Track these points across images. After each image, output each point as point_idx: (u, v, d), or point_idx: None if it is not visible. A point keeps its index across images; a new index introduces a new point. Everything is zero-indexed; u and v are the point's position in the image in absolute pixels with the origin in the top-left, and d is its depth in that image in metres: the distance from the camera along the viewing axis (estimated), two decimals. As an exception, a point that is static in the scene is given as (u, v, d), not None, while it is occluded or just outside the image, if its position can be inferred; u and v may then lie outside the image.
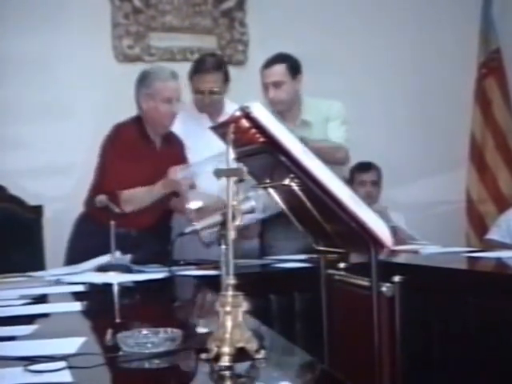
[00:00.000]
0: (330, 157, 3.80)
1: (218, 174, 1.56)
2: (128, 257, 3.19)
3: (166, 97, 3.66)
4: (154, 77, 3.70)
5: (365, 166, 4.77)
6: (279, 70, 3.99)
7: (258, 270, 3.26)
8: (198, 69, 4.01)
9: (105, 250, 3.13)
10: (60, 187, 4.60)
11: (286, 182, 1.86)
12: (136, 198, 3.59)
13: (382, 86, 5.17)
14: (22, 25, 4.58)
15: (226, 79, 4.04)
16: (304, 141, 2.73)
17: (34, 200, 3.93)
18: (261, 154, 1.82)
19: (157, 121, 3.70)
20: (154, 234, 3.62)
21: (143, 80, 3.73)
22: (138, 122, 3.74)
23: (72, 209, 4.16)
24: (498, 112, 5.49)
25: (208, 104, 4.02)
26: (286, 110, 3.98)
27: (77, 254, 3.49)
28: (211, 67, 4.00)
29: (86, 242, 3.52)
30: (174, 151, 3.79)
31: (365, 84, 4.88)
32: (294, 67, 4.02)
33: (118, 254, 3.15)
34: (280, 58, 4.03)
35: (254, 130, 1.71)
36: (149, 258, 3.29)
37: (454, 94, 5.40)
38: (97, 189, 3.61)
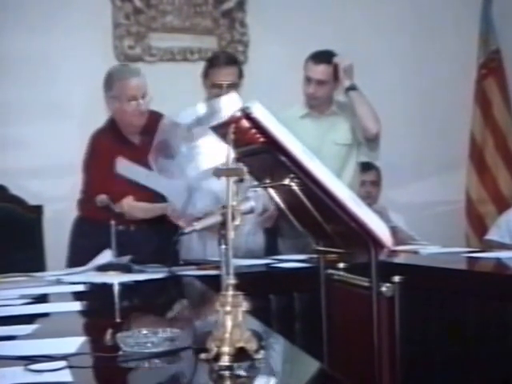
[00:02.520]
0: (372, 119, 3.96)
1: (218, 173, 1.57)
2: (127, 257, 3.19)
3: (130, 95, 3.58)
4: (114, 78, 3.63)
5: (365, 166, 4.77)
6: (326, 71, 4.09)
7: (258, 269, 3.25)
8: (215, 63, 4.00)
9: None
10: (60, 187, 4.59)
11: (286, 182, 1.86)
12: (136, 210, 3.55)
13: (381, 86, 5.16)
14: (23, 25, 4.58)
15: (241, 74, 4.05)
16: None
17: (34, 200, 3.93)
18: (261, 154, 1.82)
19: (126, 121, 3.63)
20: (152, 229, 3.59)
21: (106, 82, 3.66)
22: (112, 124, 3.68)
23: (72, 209, 4.16)
24: (498, 112, 5.48)
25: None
26: (317, 105, 4.17)
27: (78, 256, 3.48)
28: (228, 61, 4.00)
29: (85, 243, 3.51)
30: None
31: (364, 84, 4.86)
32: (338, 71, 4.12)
33: (110, 254, 3.15)
34: (329, 58, 4.11)
35: (254, 130, 1.71)
36: (149, 258, 3.29)
37: (453, 94, 5.40)
38: (87, 195, 3.60)
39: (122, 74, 3.64)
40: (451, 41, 5.42)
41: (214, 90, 3.92)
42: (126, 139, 3.68)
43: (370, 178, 4.80)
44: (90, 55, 4.70)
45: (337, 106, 4.23)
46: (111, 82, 3.62)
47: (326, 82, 4.10)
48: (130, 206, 3.50)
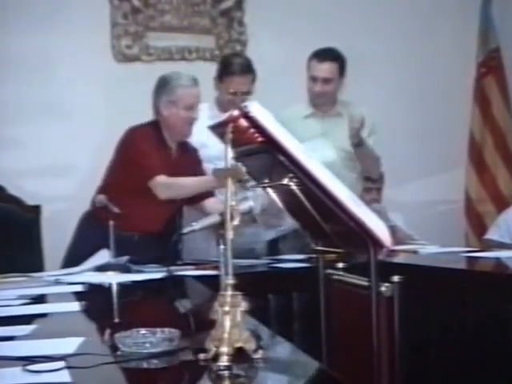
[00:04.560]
0: (374, 169, 3.97)
1: (217, 173, 1.56)
2: (126, 257, 3.19)
3: (189, 103, 3.63)
4: (176, 83, 3.65)
5: None
6: (331, 68, 4.10)
7: (257, 269, 3.25)
8: (232, 71, 3.99)
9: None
10: (59, 187, 4.59)
11: (285, 181, 1.85)
12: (179, 185, 3.57)
13: (380, 85, 5.16)
14: (21, 25, 4.57)
15: (254, 79, 4.06)
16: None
17: (32, 200, 3.92)
18: (259, 154, 1.82)
19: (178, 127, 3.66)
20: (156, 239, 3.60)
21: (164, 86, 3.67)
22: (154, 126, 3.70)
23: (71, 209, 4.16)
24: (497, 111, 5.48)
25: (238, 104, 4.01)
26: (323, 104, 4.19)
27: (78, 252, 3.48)
28: (246, 70, 4.01)
29: (88, 240, 3.50)
30: (189, 161, 3.73)
31: (363, 83, 4.87)
32: (342, 67, 4.15)
33: (107, 254, 3.15)
34: (333, 56, 4.12)
35: (252, 130, 1.71)
36: (148, 258, 3.29)
37: (452, 93, 5.39)
38: (103, 189, 3.61)
39: (185, 81, 3.67)
40: (450, 39, 5.42)
41: (229, 96, 3.94)
42: (166, 144, 3.70)
43: (375, 185, 4.77)
44: (87, 55, 4.70)
45: (340, 105, 4.22)
46: (171, 87, 3.64)
47: (332, 79, 4.11)
48: (169, 179, 3.52)
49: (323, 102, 4.18)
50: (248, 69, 4.03)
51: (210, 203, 3.72)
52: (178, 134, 3.71)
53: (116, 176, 3.68)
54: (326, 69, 4.09)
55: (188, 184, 3.60)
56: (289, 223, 3.20)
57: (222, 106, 3.97)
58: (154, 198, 3.54)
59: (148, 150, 3.59)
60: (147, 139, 3.63)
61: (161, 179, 3.53)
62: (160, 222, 3.65)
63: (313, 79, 4.12)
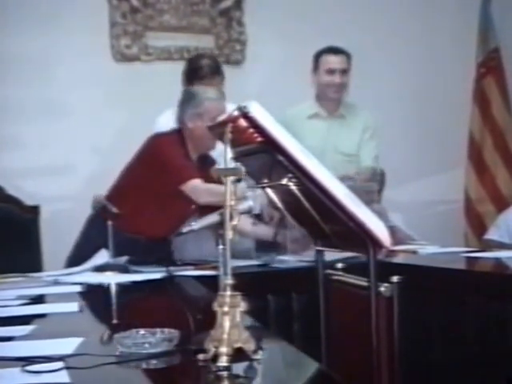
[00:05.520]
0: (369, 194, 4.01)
1: (216, 173, 1.56)
2: (124, 258, 3.18)
3: (215, 116, 3.63)
4: (203, 96, 3.66)
5: None
6: (345, 59, 4.20)
7: (256, 270, 3.25)
8: (201, 75, 4.04)
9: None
10: (57, 187, 4.59)
11: (284, 181, 1.85)
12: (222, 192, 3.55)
13: (379, 85, 5.16)
14: (22, 25, 4.57)
15: (223, 80, 4.09)
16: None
17: (31, 200, 3.92)
18: (259, 154, 1.81)
19: (203, 140, 3.63)
20: (162, 243, 3.60)
21: (191, 99, 3.68)
22: (179, 136, 3.69)
23: (70, 209, 4.17)
24: (497, 111, 5.48)
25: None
26: (337, 99, 4.25)
27: (83, 251, 3.47)
28: (215, 71, 4.08)
29: (94, 240, 3.49)
30: (207, 173, 3.74)
31: (362, 83, 4.86)
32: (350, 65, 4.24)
33: (106, 254, 3.15)
34: (341, 50, 4.21)
35: (251, 130, 1.70)
36: (147, 259, 3.29)
37: (452, 93, 5.40)
38: (114, 192, 3.62)
39: (212, 94, 3.70)
40: (450, 39, 5.42)
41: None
42: (189, 155, 3.69)
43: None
44: (86, 55, 4.70)
45: (344, 107, 4.23)
46: (199, 100, 3.65)
47: (348, 70, 4.19)
48: (212, 185, 3.45)
49: (340, 95, 4.23)
50: (217, 70, 4.09)
51: None
52: (202, 147, 3.70)
53: (133, 180, 3.66)
54: (342, 61, 4.18)
55: (212, 191, 3.55)
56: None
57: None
58: (171, 204, 3.55)
59: (178, 154, 3.61)
60: (175, 146, 3.64)
61: (200, 183, 3.53)
62: (169, 227, 3.64)
63: (330, 72, 4.17)
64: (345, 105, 4.27)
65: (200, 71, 4.06)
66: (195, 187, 3.53)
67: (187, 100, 3.71)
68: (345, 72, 4.18)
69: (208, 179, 3.57)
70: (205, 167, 3.72)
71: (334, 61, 4.17)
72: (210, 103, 3.64)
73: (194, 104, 3.66)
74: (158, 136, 3.72)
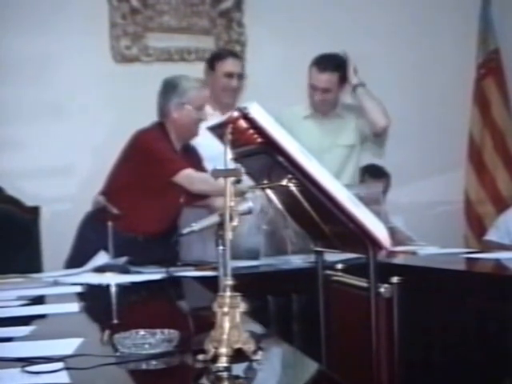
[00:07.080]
0: (381, 116, 4.03)
1: (216, 174, 1.56)
2: (124, 258, 3.18)
3: (200, 104, 3.68)
4: (186, 85, 3.68)
5: (376, 173, 4.78)
6: (331, 79, 4.10)
7: (256, 270, 3.25)
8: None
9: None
10: (58, 188, 4.59)
11: (284, 182, 1.85)
12: (196, 181, 3.58)
13: (379, 85, 5.15)
14: (21, 25, 4.57)
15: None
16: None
17: (31, 201, 3.92)
18: (259, 155, 1.81)
19: (186, 128, 3.68)
20: (160, 240, 3.60)
21: (174, 88, 3.69)
22: (160, 128, 3.71)
23: (70, 210, 4.16)
24: (497, 112, 5.48)
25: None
26: (323, 110, 4.21)
27: (82, 253, 3.47)
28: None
29: (91, 241, 3.50)
30: (192, 160, 3.74)
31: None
32: (343, 77, 4.15)
33: (106, 255, 3.15)
34: (333, 65, 4.11)
35: (251, 131, 1.70)
36: (147, 259, 3.29)
37: (452, 94, 5.40)
38: (107, 191, 3.61)
39: (193, 83, 3.73)
40: (450, 40, 5.42)
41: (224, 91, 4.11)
42: (173, 146, 3.71)
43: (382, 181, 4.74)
44: (86, 55, 4.70)
45: (342, 108, 4.23)
46: (182, 89, 3.67)
47: (332, 89, 4.12)
48: (188, 175, 3.54)
49: (324, 109, 4.20)
50: (236, 55, 4.29)
51: (220, 202, 3.70)
52: (186, 135, 3.73)
53: (123, 177, 3.67)
54: (325, 80, 4.09)
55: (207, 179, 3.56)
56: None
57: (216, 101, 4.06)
58: (160, 199, 3.55)
59: (165, 147, 3.63)
60: (160, 139, 3.66)
61: (192, 172, 3.56)
62: (164, 222, 3.65)
63: (313, 88, 4.12)
64: (342, 105, 4.25)
65: (221, 53, 4.21)
66: (189, 175, 3.56)
67: (170, 89, 3.71)
68: (328, 91, 4.10)
69: (192, 167, 3.61)
70: (189, 156, 3.74)
71: (317, 78, 4.10)
72: (194, 91, 3.67)
73: (178, 93, 3.67)
74: (142, 132, 3.72)
